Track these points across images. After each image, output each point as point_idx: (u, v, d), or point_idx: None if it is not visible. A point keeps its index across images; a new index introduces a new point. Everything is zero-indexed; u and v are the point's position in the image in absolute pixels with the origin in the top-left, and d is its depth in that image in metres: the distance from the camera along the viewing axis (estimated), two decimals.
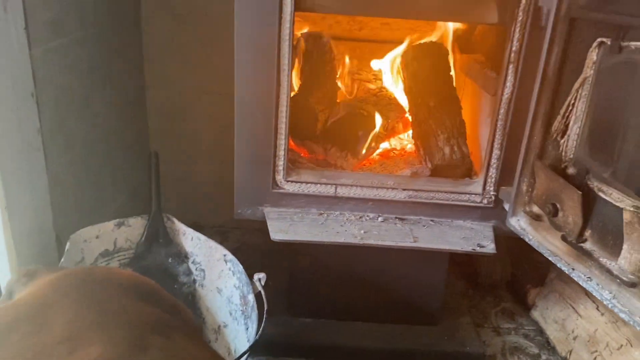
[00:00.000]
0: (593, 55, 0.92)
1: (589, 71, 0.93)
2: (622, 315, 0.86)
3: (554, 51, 1.01)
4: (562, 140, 0.99)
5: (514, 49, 1.13)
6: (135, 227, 1.29)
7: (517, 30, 1.12)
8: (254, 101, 1.20)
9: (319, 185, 1.27)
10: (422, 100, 1.48)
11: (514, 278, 1.76)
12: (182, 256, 1.31)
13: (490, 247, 1.20)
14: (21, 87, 1.13)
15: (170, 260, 1.30)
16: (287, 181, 1.26)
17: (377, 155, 1.54)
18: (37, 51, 1.18)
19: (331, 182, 1.27)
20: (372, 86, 1.62)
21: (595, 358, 1.31)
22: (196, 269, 1.31)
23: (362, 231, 1.23)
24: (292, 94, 1.44)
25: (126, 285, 0.71)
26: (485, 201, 1.27)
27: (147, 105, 1.88)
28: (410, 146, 1.57)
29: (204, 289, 1.31)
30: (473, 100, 1.54)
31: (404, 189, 1.27)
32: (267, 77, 1.17)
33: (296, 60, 1.54)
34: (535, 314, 1.63)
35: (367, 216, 1.29)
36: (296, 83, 1.52)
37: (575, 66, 0.97)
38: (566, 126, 0.98)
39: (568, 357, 1.46)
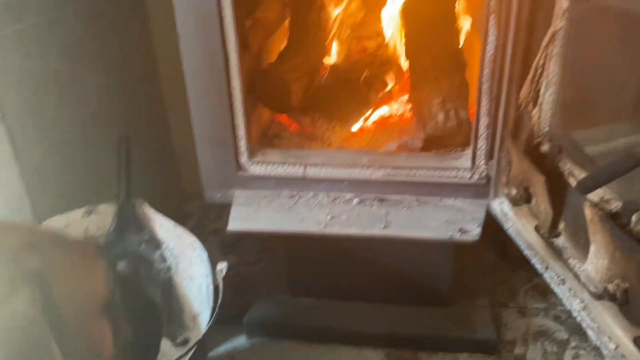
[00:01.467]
0: (563, 1, 0.72)
1: (558, 23, 0.72)
2: (589, 332, 0.69)
3: None
4: (535, 111, 0.80)
5: None
6: (105, 214, 1.26)
7: None
8: (204, 79, 1.10)
9: (286, 165, 1.15)
10: (418, 58, 1.30)
11: None
12: (156, 243, 1.27)
13: (473, 233, 1.03)
14: None
15: (143, 247, 1.26)
16: (252, 162, 1.16)
17: (373, 123, 1.38)
18: None
19: (299, 161, 1.15)
20: (370, 44, 1.45)
21: None
22: (170, 256, 1.26)
23: (329, 217, 1.11)
24: (267, 63, 1.33)
25: None
26: (475, 177, 1.09)
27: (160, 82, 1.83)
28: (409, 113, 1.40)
29: (178, 276, 1.26)
30: None
31: (381, 167, 1.12)
32: (213, 51, 1.06)
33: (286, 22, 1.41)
34: None
35: (343, 197, 1.16)
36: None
37: (546, 14, 0.76)
38: (537, 93, 0.79)
39: None
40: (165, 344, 1.23)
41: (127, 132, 1.60)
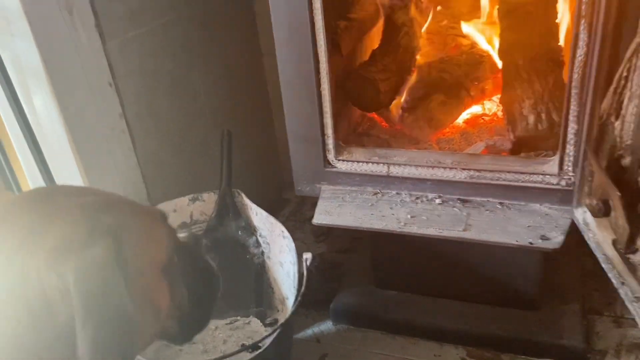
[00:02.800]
0: None
1: None
2: None
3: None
4: (617, 123, 0.77)
5: None
6: (208, 202, 1.39)
7: None
8: (296, 81, 1.17)
9: (370, 164, 1.20)
10: (512, 57, 1.28)
11: None
12: (251, 229, 1.37)
13: (555, 241, 1.01)
14: (96, 79, 1.26)
15: (240, 232, 1.37)
16: (339, 160, 1.22)
17: (463, 122, 1.38)
18: (112, 44, 1.29)
19: (383, 160, 1.19)
20: (465, 42, 1.44)
21: None
22: (263, 242, 1.36)
23: (409, 216, 1.14)
24: (358, 63, 1.37)
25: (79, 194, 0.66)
26: (563, 183, 1.07)
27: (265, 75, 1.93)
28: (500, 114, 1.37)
29: (270, 261, 1.36)
30: None
31: (464, 169, 1.13)
32: (304, 55, 1.12)
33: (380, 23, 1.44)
34: None
35: (426, 197, 1.19)
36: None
37: (631, 25, 0.73)
38: (620, 105, 0.76)
39: None
40: (256, 324, 1.34)
41: (232, 126, 1.73)
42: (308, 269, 1.16)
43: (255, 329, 1.32)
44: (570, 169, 1.05)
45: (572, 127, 1.01)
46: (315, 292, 1.63)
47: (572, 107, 0.99)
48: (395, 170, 1.18)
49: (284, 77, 1.17)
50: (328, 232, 1.92)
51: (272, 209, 1.98)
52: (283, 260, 1.30)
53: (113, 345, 0.53)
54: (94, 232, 0.55)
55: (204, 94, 1.64)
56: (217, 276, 0.77)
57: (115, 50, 1.30)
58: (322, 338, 1.47)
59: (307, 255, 1.18)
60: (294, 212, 2.08)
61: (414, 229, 1.10)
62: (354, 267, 1.63)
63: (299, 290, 1.12)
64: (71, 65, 1.18)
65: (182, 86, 1.54)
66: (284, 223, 1.97)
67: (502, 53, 1.31)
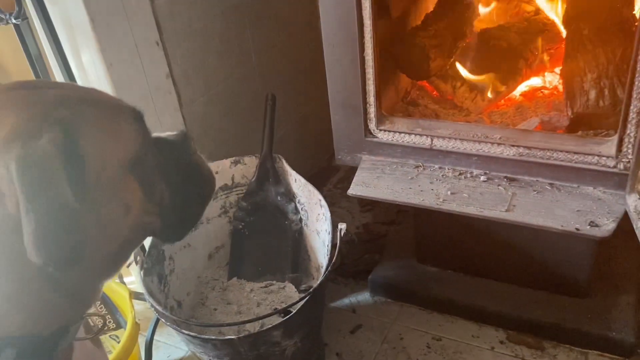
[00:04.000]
0: None
1: None
2: None
3: None
4: None
5: None
6: (250, 165, 1.38)
7: None
8: (339, 44, 1.12)
9: (413, 135, 1.14)
10: (578, 26, 1.17)
11: None
12: (290, 195, 1.36)
13: (605, 228, 0.94)
14: (144, 38, 1.26)
15: (279, 198, 1.36)
16: (380, 130, 1.17)
17: (520, 94, 1.29)
18: (161, 1, 1.29)
19: (426, 133, 1.13)
20: (529, 8, 1.33)
21: None
22: (302, 209, 1.35)
23: (449, 192, 1.08)
24: (409, 27, 1.30)
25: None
26: (621, 166, 0.98)
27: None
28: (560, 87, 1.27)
29: (308, 229, 1.35)
30: None
31: (513, 145, 1.06)
32: (348, 18, 1.07)
33: None
34: None
35: (470, 173, 1.12)
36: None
37: None
38: None
39: None
40: (291, 289, 1.34)
41: (284, 90, 1.71)
42: (342, 240, 1.14)
43: (289, 294, 1.32)
44: (630, 151, 0.96)
45: (635, 105, 0.92)
46: (356, 262, 1.62)
47: (636, 83, 0.90)
48: (439, 144, 1.12)
49: (327, 39, 1.13)
50: (374, 203, 1.89)
51: (322, 176, 1.97)
52: (320, 228, 1.28)
53: (57, 237, 0.52)
54: (43, 124, 0.54)
55: (255, 55, 1.62)
56: (207, 175, 0.74)
57: (164, 8, 1.30)
58: (358, 308, 1.46)
59: (342, 226, 1.15)
60: (342, 179, 2.05)
61: (453, 207, 1.04)
62: (397, 240, 1.60)
63: (330, 260, 1.10)
64: (118, 22, 1.19)
65: (233, 47, 1.52)
66: (330, 191, 1.97)
67: (567, 21, 1.21)
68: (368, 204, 1.89)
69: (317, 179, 1.34)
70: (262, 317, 1.14)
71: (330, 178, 2.05)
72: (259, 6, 1.57)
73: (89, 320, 1.06)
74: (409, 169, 1.16)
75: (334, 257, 1.11)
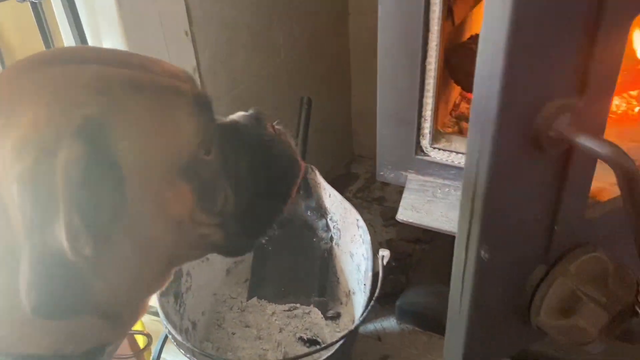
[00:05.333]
0: None
1: None
2: None
3: None
4: None
5: None
6: None
7: None
8: (397, 48, 0.99)
9: None
10: None
11: None
12: (322, 211, 1.24)
13: None
14: (172, 25, 1.13)
15: (309, 213, 1.24)
16: (434, 148, 1.05)
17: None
18: None
19: None
20: None
21: None
22: (334, 227, 1.22)
23: None
24: (468, 35, 1.18)
25: (66, 55, 0.49)
26: None
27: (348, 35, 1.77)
28: None
29: (339, 249, 1.23)
30: None
31: None
32: (413, 23, 0.95)
33: None
34: None
35: None
36: None
37: None
38: None
39: None
40: (316, 315, 1.21)
41: (308, 89, 1.58)
42: (384, 268, 1.02)
43: (314, 321, 1.19)
44: None
45: None
46: (380, 284, 1.50)
47: None
48: None
49: (383, 42, 1.00)
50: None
51: (340, 184, 1.85)
52: (354, 251, 1.16)
53: (51, 289, 0.40)
54: (64, 129, 0.41)
55: (284, 51, 1.49)
56: (290, 165, 0.58)
57: None
58: (384, 336, 1.34)
59: (384, 253, 1.04)
60: (362, 189, 1.93)
61: None
62: (426, 262, 1.48)
63: (372, 292, 0.98)
64: (146, 7, 1.05)
65: (262, 41, 1.39)
66: (350, 200, 1.84)
67: None
68: (391, 218, 1.77)
69: (335, 187, 1.22)
70: (296, 358, 1.02)
71: (349, 186, 1.93)
72: (289, 1, 1.45)
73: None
74: None
75: (377, 289, 0.99)
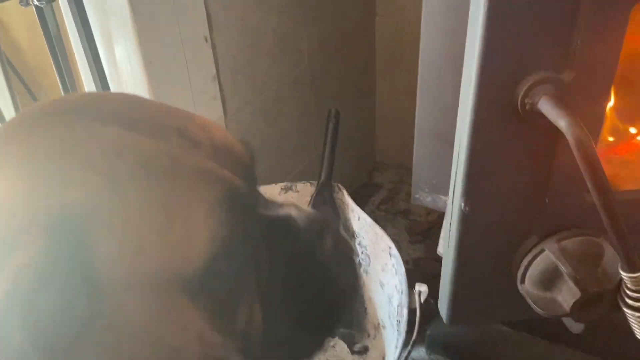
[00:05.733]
0: None
1: None
2: None
3: None
4: None
5: None
6: (303, 193, 1.15)
7: None
8: (443, 60, 0.89)
9: None
10: None
11: None
12: (349, 234, 1.13)
13: None
14: (191, 31, 1.03)
15: None
16: None
17: None
18: None
19: None
20: None
21: None
22: (362, 253, 1.12)
23: None
24: None
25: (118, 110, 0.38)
26: None
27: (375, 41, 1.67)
28: None
29: (368, 277, 1.12)
30: None
31: None
32: (457, 31, 0.84)
33: None
34: None
35: None
36: None
37: None
38: None
39: None
40: (342, 348, 1.11)
41: (330, 96, 1.49)
42: (422, 305, 0.91)
43: (340, 355, 1.09)
44: None
45: None
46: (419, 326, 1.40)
47: None
48: None
49: (426, 55, 0.90)
50: (426, 232, 1.66)
51: (362, 195, 1.75)
52: (385, 281, 1.05)
53: None
54: (31, 215, 0.31)
55: (308, 57, 1.39)
56: (351, 289, 0.46)
57: None
58: None
59: (422, 288, 0.93)
60: (386, 199, 1.83)
61: None
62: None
63: (409, 334, 0.87)
64: (163, 11, 0.96)
65: (287, 46, 1.29)
66: (373, 212, 1.74)
67: None
68: (419, 233, 1.67)
69: (356, 198, 1.13)
70: None
71: (372, 197, 1.83)
72: (318, 3, 1.34)
73: None
74: None
75: (415, 331, 0.88)
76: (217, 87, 1.11)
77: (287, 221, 0.42)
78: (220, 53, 1.09)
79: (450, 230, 0.74)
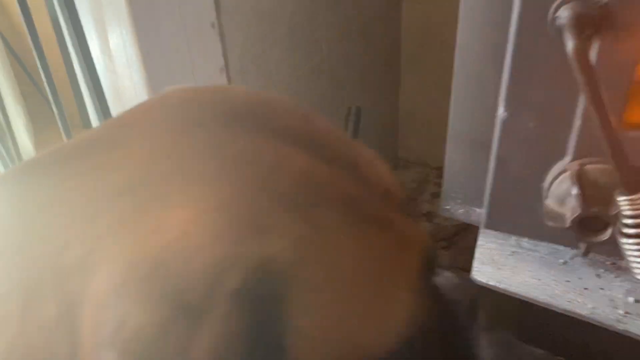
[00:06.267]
0: None
1: None
2: None
3: None
4: None
5: None
6: None
7: None
8: (484, 55, 0.77)
9: None
10: None
11: None
12: None
13: None
14: (196, 16, 0.92)
15: None
16: None
17: None
18: None
19: None
20: None
21: None
22: None
23: (631, 298, 0.73)
24: None
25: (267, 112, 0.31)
26: None
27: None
28: None
29: None
30: None
31: None
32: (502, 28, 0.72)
33: None
34: None
35: None
36: None
37: None
38: None
39: None
40: None
41: (350, 89, 1.37)
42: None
43: None
44: None
45: None
46: None
47: None
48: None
49: (463, 51, 0.78)
50: (453, 237, 1.55)
51: None
52: None
53: None
54: (223, 263, 0.22)
55: (326, 47, 1.27)
56: None
57: None
58: None
59: None
60: (408, 201, 1.70)
61: (633, 329, 0.69)
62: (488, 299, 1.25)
63: None
64: None
65: (302, 35, 1.17)
66: None
67: None
68: (445, 239, 1.55)
69: None
70: None
71: None
72: None
73: None
74: (561, 246, 0.80)
75: None
76: (225, 79, 1.00)
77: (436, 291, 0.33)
78: (229, 41, 0.98)
79: (492, 135, 0.75)
